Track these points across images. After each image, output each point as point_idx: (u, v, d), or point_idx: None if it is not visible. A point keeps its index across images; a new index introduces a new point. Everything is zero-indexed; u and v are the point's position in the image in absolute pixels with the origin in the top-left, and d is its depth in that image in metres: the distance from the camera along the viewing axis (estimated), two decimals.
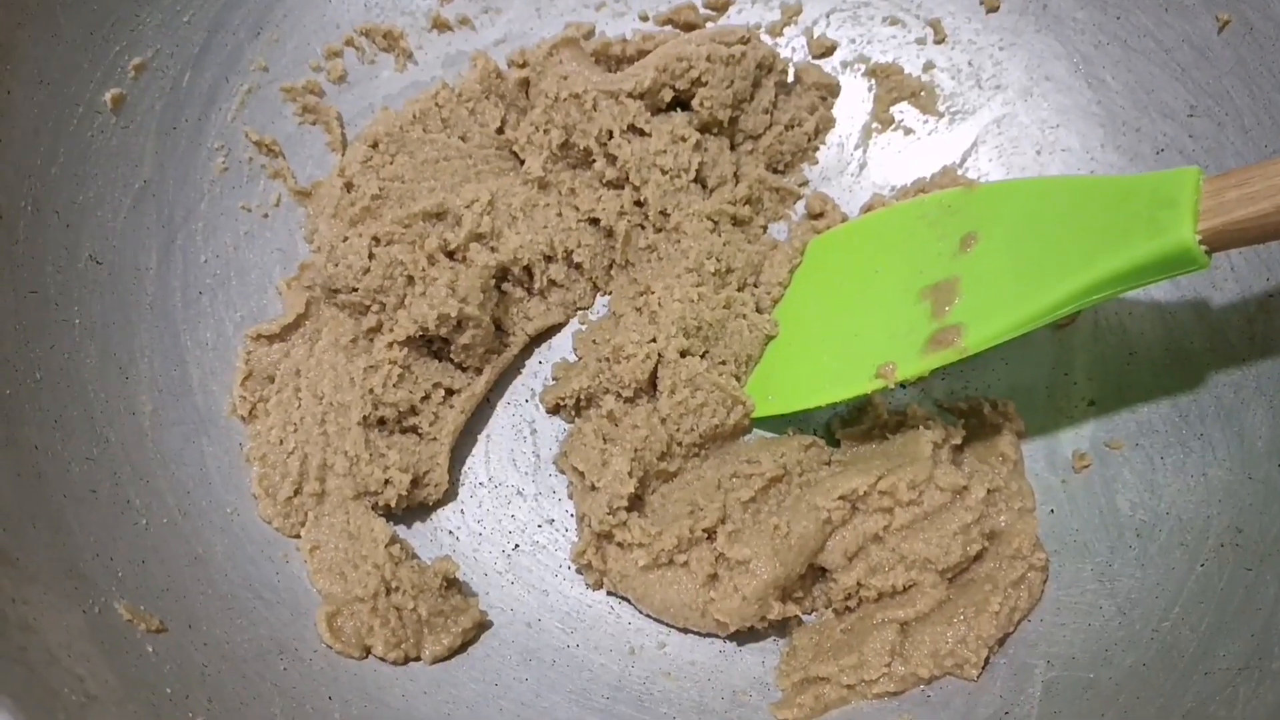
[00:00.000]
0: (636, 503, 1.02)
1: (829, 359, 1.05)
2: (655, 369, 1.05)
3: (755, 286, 1.12)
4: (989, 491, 0.99)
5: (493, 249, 1.08)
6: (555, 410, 1.12)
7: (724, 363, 1.07)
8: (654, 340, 1.05)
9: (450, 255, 1.06)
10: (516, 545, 1.06)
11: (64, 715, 0.67)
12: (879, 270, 1.07)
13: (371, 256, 1.04)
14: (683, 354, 1.04)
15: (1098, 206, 0.90)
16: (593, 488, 1.02)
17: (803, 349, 1.08)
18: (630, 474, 1.00)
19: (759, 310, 1.11)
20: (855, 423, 1.08)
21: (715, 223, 1.13)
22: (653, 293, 1.07)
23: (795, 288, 1.12)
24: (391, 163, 1.13)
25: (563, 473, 1.08)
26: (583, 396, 1.08)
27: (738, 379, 1.07)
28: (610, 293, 1.15)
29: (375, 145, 1.13)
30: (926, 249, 1.04)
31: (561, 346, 1.15)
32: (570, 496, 1.07)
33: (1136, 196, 0.87)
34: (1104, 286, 0.87)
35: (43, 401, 0.91)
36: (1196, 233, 0.82)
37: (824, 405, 1.04)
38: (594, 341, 1.11)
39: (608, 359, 1.07)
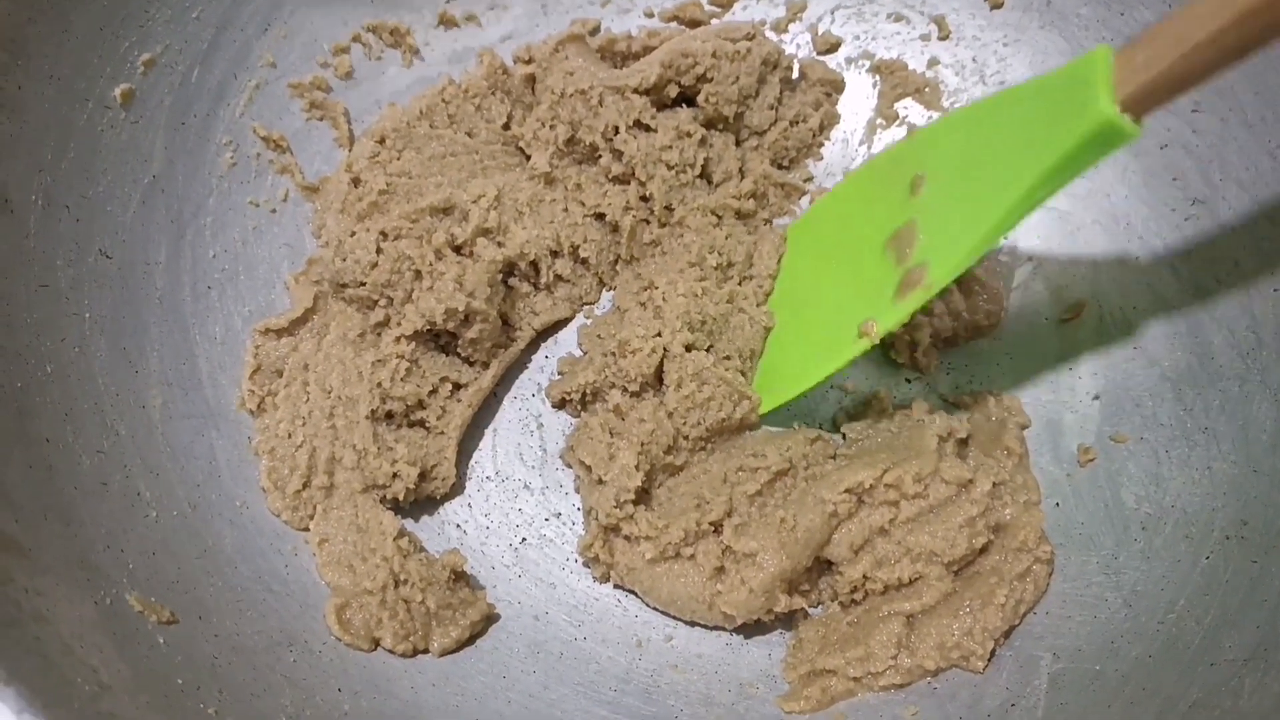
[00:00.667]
0: (643, 496, 1.02)
1: (818, 336, 1.04)
2: (661, 363, 1.05)
3: (749, 280, 1.12)
4: (994, 485, 1.00)
5: (499, 244, 1.08)
6: (561, 405, 1.12)
7: (728, 357, 1.07)
8: (659, 335, 1.05)
9: (457, 250, 1.06)
10: (524, 539, 1.07)
11: (78, 704, 0.67)
12: (844, 237, 1.06)
13: (379, 251, 1.04)
14: (688, 348, 1.05)
15: (1022, 113, 0.89)
16: (600, 481, 1.02)
17: (795, 334, 1.08)
18: (637, 467, 1.00)
19: (757, 304, 1.11)
20: (861, 416, 1.09)
21: (719, 218, 1.13)
22: (656, 287, 1.08)
23: (782, 276, 1.12)
24: (398, 158, 1.13)
25: (569, 467, 1.09)
26: (588, 391, 1.09)
27: (743, 374, 1.08)
28: (615, 288, 1.16)
29: (382, 141, 1.14)
30: (882, 203, 1.03)
31: (567, 341, 1.15)
32: (577, 490, 1.08)
33: (1053, 90, 0.87)
34: (1046, 183, 0.86)
35: (53, 394, 0.92)
36: (1115, 103, 0.81)
37: (819, 381, 1.02)
38: (599, 336, 1.12)
39: (613, 354, 1.07)
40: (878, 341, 0.98)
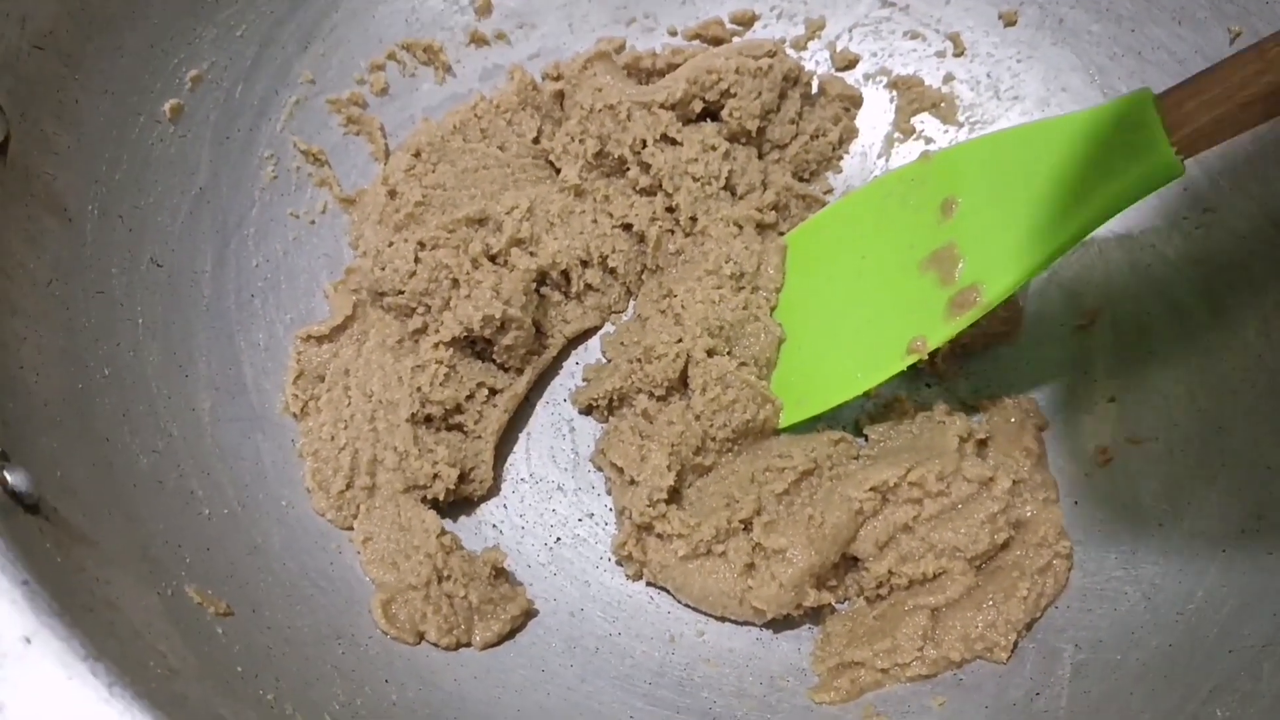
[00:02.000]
0: (674, 496, 1.05)
1: (850, 350, 1.08)
2: (685, 368, 1.09)
3: (758, 290, 1.15)
4: (1014, 483, 1.03)
5: (532, 254, 1.12)
6: (588, 411, 1.15)
7: (744, 364, 1.10)
8: (680, 340, 1.09)
9: (492, 260, 1.10)
10: (558, 538, 1.10)
11: (154, 684, 0.70)
12: (865, 255, 1.10)
13: (417, 260, 1.08)
14: (709, 353, 1.08)
15: (1068, 144, 0.96)
16: (632, 482, 1.05)
17: (815, 349, 1.11)
18: (669, 467, 1.03)
19: (769, 313, 1.15)
20: (883, 419, 1.12)
21: (741, 228, 1.17)
22: (675, 295, 1.11)
23: (786, 288, 1.15)
24: (433, 171, 1.16)
25: (599, 469, 1.12)
26: (615, 397, 1.12)
27: (762, 380, 1.11)
28: (638, 296, 1.19)
29: (417, 154, 1.17)
30: (907, 224, 1.07)
31: (597, 349, 1.19)
32: (608, 492, 1.11)
33: (1103, 127, 0.94)
34: (1104, 214, 0.94)
35: (110, 396, 0.95)
36: (1171, 145, 0.90)
37: (860, 395, 1.07)
38: (622, 344, 1.15)
39: (639, 360, 1.10)
40: (925, 357, 1.02)
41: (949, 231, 1.04)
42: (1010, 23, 1.21)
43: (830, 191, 1.24)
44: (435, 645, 0.99)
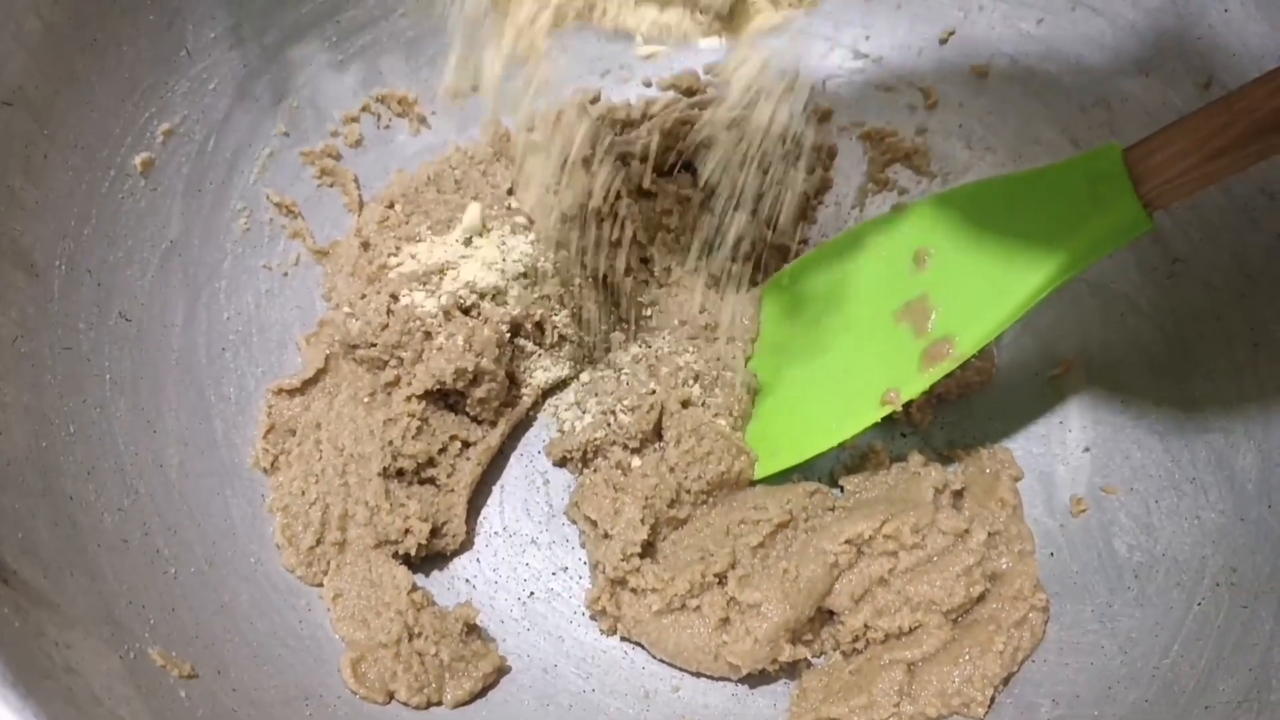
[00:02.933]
0: (649, 549, 1.05)
1: (825, 401, 1.08)
2: (660, 420, 1.09)
3: (733, 341, 1.15)
4: (990, 534, 1.03)
5: (505, 305, 1.11)
6: (562, 463, 1.15)
7: (719, 415, 1.10)
8: (654, 392, 1.08)
9: (465, 312, 1.09)
10: (531, 593, 1.09)
11: None
12: (839, 307, 1.11)
13: (389, 313, 1.07)
14: (684, 404, 1.08)
15: (1037, 197, 0.97)
16: (606, 535, 1.04)
17: (790, 400, 1.11)
18: (642, 521, 1.03)
19: (743, 364, 1.14)
20: (858, 469, 1.12)
21: (716, 279, 1.17)
22: (649, 346, 1.11)
23: (761, 340, 1.15)
24: (407, 222, 1.16)
25: (574, 522, 1.11)
26: (589, 449, 1.11)
27: (737, 431, 1.11)
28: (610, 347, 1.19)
29: (391, 206, 1.17)
30: (880, 275, 1.08)
31: (570, 400, 1.18)
32: (582, 545, 1.10)
33: (1071, 180, 0.95)
34: (1072, 266, 0.95)
35: (77, 454, 0.94)
36: (1139, 199, 0.91)
37: (834, 446, 1.07)
38: (595, 395, 1.14)
39: (612, 411, 1.10)
40: (900, 409, 1.02)
41: (922, 283, 1.04)
42: (981, 75, 1.22)
43: (805, 242, 1.24)
44: (406, 704, 0.97)
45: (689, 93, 1.26)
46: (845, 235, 1.14)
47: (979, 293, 0.99)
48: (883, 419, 1.04)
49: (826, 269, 1.13)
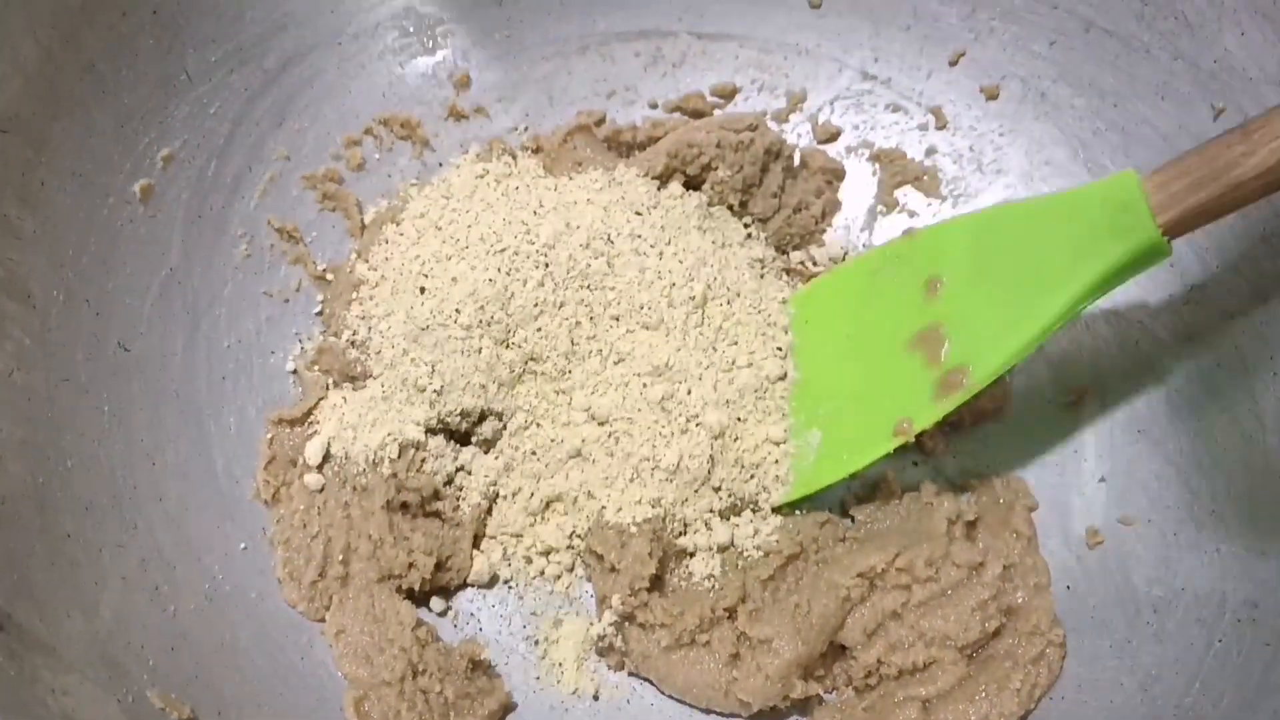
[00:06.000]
0: (657, 583, 1.03)
1: (837, 432, 1.06)
2: None
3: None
4: (1005, 568, 1.01)
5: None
6: None
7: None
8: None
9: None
10: (537, 628, 1.06)
11: None
12: (850, 335, 1.09)
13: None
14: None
15: (1053, 225, 0.96)
16: (613, 569, 1.02)
17: (801, 429, 1.09)
18: (650, 555, 1.01)
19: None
20: (869, 499, 1.10)
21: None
22: None
23: (800, 346, 1.13)
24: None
25: (580, 556, 1.09)
26: None
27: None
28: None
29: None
30: (893, 302, 1.06)
31: None
32: (588, 579, 1.08)
33: (1088, 207, 0.94)
34: (1090, 294, 0.93)
35: (74, 489, 0.92)
36: (1158, 227, 0.89)
37: (846, 477, 1.05)
38: None
39: None
40: (912, 440, 1.00)
41: (934, 311, 1.02)
42: (992, 96, 1.20)
43: (814, 265, 1.22)
44: None
45: (695, 114, 1.25)
46: (856, 261, 1.12)
47: (994, 322, 0.98)
48: (894, 449, 1.02)
49: (835, 297, 1.11)
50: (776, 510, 1.07)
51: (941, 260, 1.03)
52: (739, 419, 1.06)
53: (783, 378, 1.10)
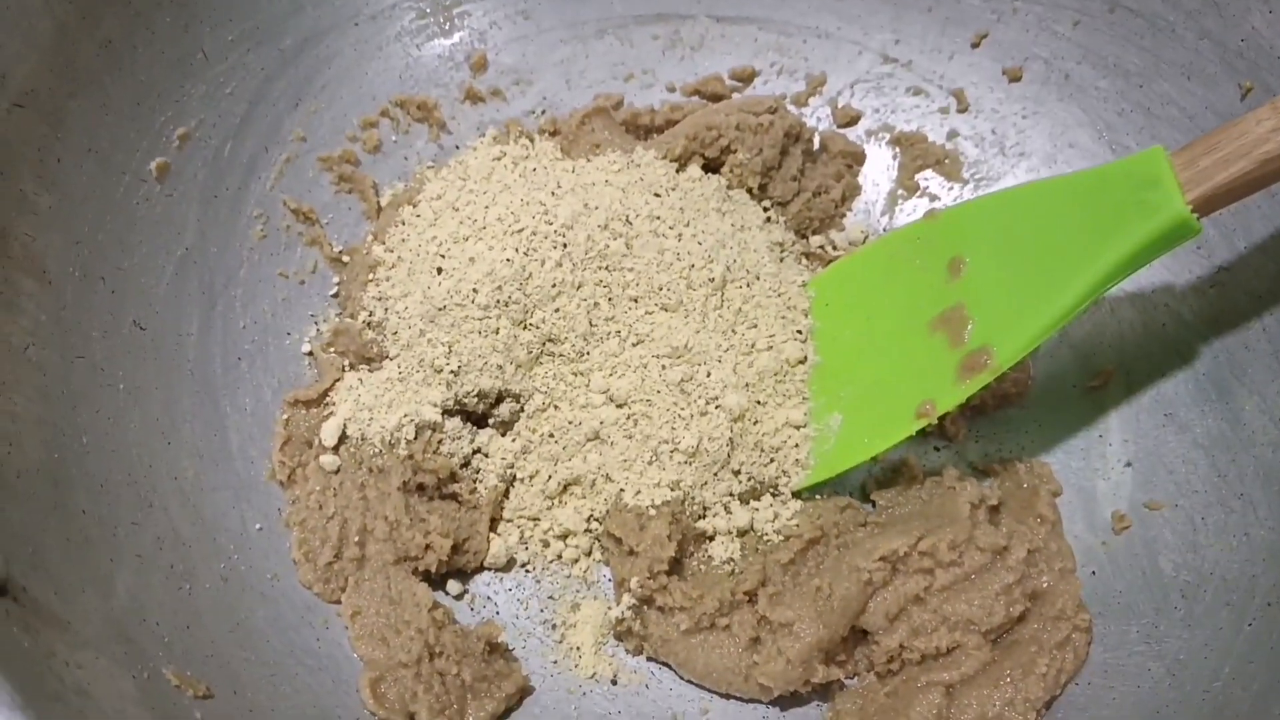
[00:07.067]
0: (676, 566, 1.01)
1: (859, 414, 1.05)
2: None
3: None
4: (1029, 552, 0.99)
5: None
6: None
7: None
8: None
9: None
10: (555, 611, 1.05)
11: None
12: (871, 316, 1.08)
13: None
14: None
15: (1078, 203, 0.94)
16: (631, 552, 1.01)
17: (823, 412, 1.08)
18: (669, 537, 1.00)
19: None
20: (891, 484, 1.08)
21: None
22: None
23: (820, 330, 1.11)
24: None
25: (598, 540, 1.08)
26: None
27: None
28: None
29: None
30: (915, 283, 1.05)
31: None
32: (606, 563, 1.07)
33: (1114, 185, 0.92)
34: (1117, 273, 0.91)
35: (89, 466, 0.91)
36: (1186, 204, 0.87)
37: (868, 460, 1.04)
38: None
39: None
40: (935, 422, 0.99)
41: (957, 292, 1.01)
42: (1015, 78, 1.19)
43: (834, 248, 1.21)
44: None
45: (714, 98, 1.24)
46: (878, 243, 1.11)
47: (1018, 302, 0.96)
48: (916, 433, 1.01)
49: (859, 277, 1.10)
50: (797, 494, 1.06)
51: (964, 240, 1.02)
52: (759, 402, 1.05)
53: (802, 361, 1.08)
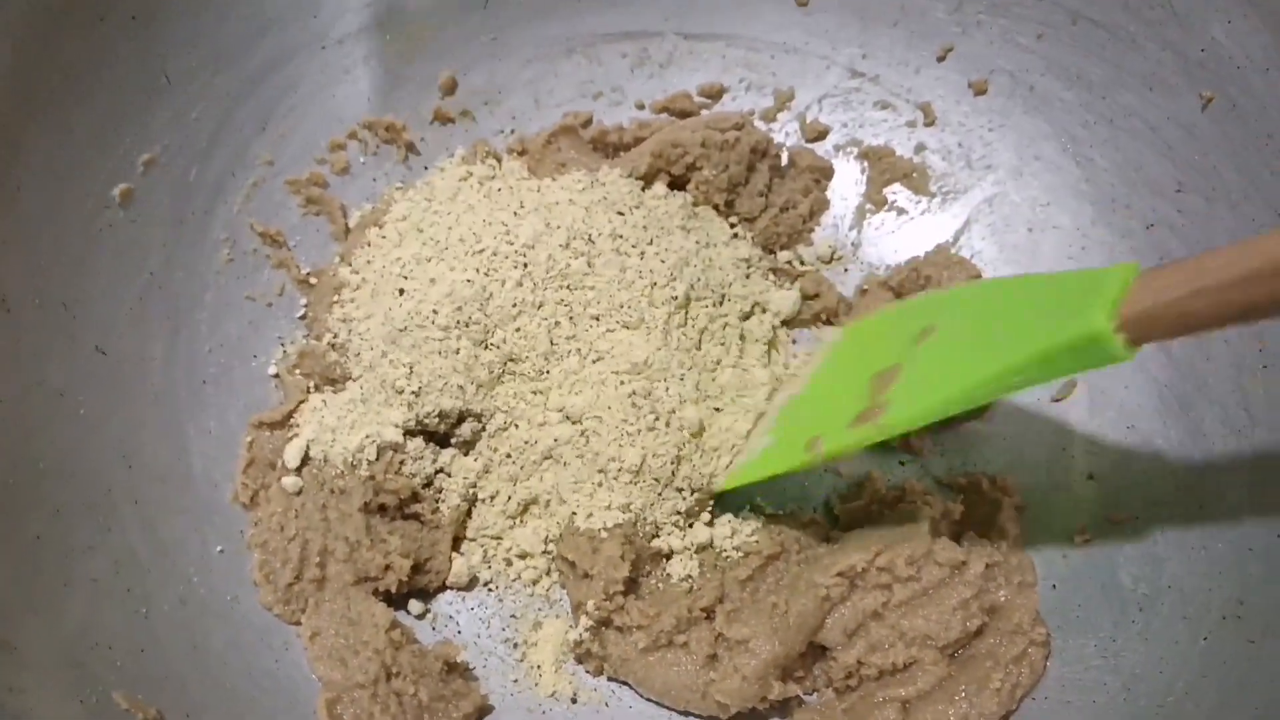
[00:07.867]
0: (632, 585, 1.01)
1: (781, 433, 1.04)
2: None
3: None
4: (988, 566, 0.99)
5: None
6: None
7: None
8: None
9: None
10: (517, 630, 1.06)
11: None
12: (855, 359, 1.06)
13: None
14: None
15: (1034, 300, 0.88)
16: (586, 575, 1.01)
17: (761, 427, 1.08)
18: (623, 558, 1.00)
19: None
20: (854, 499, 1.08)
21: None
22: None
23: (813, 384, 1.10)
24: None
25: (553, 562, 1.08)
26: None
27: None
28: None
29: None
30: (890, 340, 1.03)
31: None
32: (562, 586, 1.07)
33: (1068, 288, 0.85)
34: (1015, 373, 0.84)
35: (46, 491, 0.92)
36: (1113, 319, 0.78)
37: (759, 480, 1.02)
38: None
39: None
40: (817, 462, 0.98)
41: (906, 355, 0.98)
42: (980, 91, 1.19)
43: (801, 264, 1.21)
44: None
45: (682, 115, 1.24)
46: (902, 304, 1.10)
47: (934, 376, 0.93)
48: (880, 446, 1.01)
49: (873, 332, 1.08)
50: (755, 509, 1.06)
51: (943, 314, 0.99)
52: (716, 409, 1.05)
53: (766, 381, 1.09)
